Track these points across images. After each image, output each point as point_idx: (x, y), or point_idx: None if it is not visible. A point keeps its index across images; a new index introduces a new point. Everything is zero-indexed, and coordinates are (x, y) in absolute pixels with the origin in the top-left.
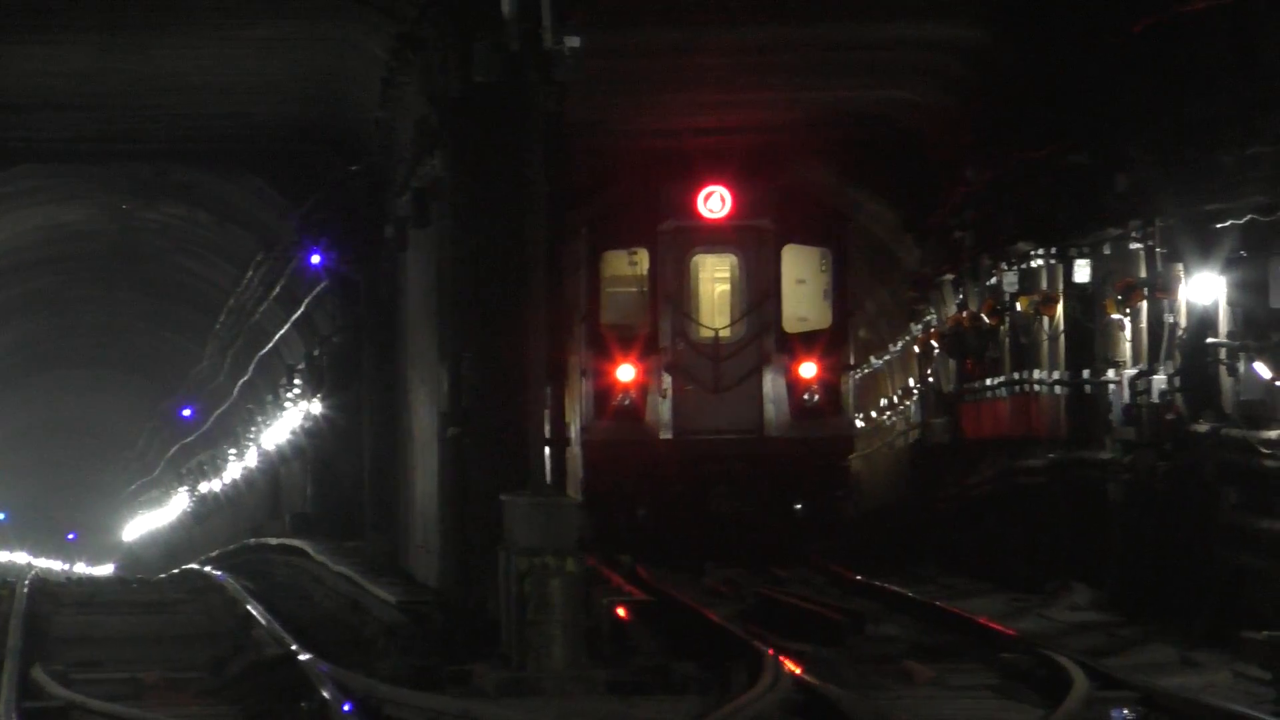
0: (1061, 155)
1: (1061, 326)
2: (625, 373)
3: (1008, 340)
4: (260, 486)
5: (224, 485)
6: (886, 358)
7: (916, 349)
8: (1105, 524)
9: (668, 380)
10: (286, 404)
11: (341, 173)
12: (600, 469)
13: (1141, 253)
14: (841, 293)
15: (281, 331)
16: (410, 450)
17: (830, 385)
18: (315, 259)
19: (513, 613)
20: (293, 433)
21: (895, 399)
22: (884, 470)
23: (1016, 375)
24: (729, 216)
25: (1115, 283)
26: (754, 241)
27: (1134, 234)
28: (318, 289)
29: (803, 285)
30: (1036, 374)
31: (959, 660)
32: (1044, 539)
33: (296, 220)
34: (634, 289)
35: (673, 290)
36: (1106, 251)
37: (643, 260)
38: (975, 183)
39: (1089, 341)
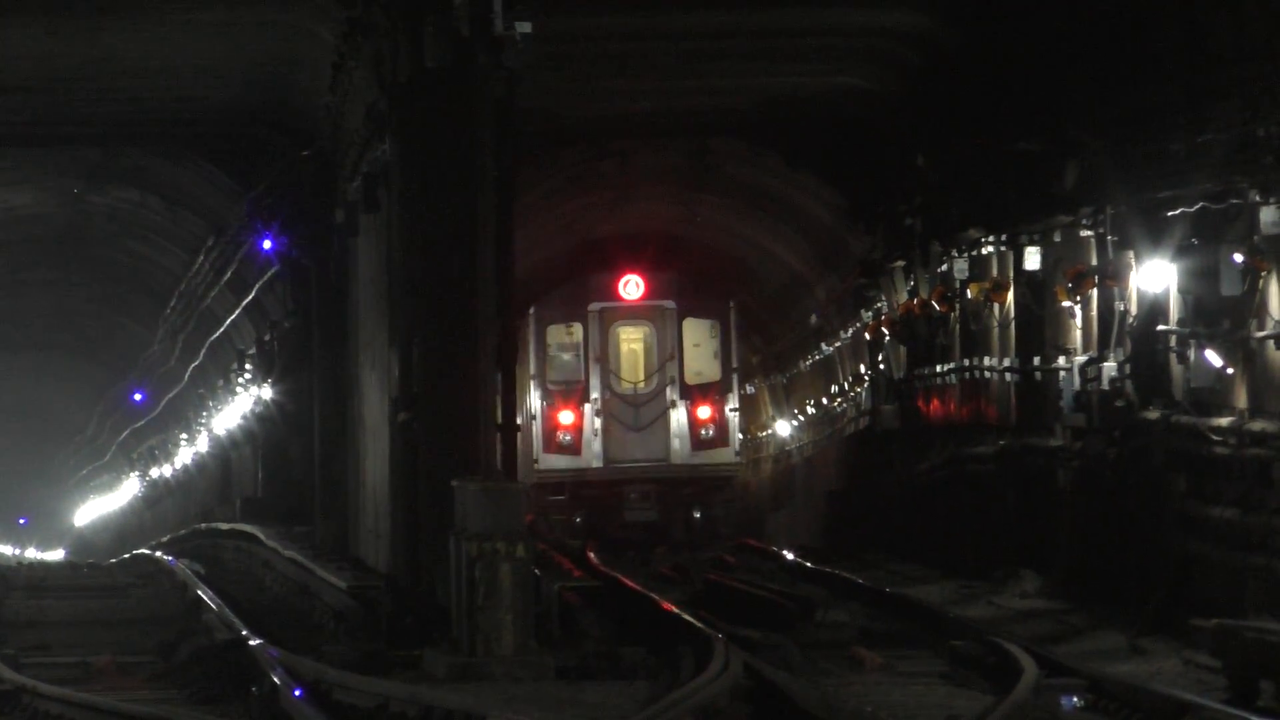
0: (1010, 142)
1: (1012, 313)
2: (566, 417)
3: (958, 327)
4: (211, 471)
5: (175, 470)
6: (837, 345)
7: (867, 336)
8: (1054, 511)
9: (598, 422)
10: (237, 389)
11: (292, 157)
12: (548, 489)
13: (1092, 240)
14: (727, 352)
15: (232, 317)
16: (361, 435)
17: (720, 423)
18: (266, 244)
19: (463, 598)
20: (243, 418)
21: (846, 385)
22: (834, 458)
23: (967, 362)
24: (643, 298)
25: (1066, 270)
26: (661, 316)
27: (1084, 221)
28: (268, 274)
29: (698, 348)
30: (987, 361)
31: (908, 647)
32: (993, 525)
33: (247, 205)
34: (571, 354)
35: (600, 354)
36: (1057, 239)
37: (577, 332)
38: (925, 169)
39: (1039, 329)
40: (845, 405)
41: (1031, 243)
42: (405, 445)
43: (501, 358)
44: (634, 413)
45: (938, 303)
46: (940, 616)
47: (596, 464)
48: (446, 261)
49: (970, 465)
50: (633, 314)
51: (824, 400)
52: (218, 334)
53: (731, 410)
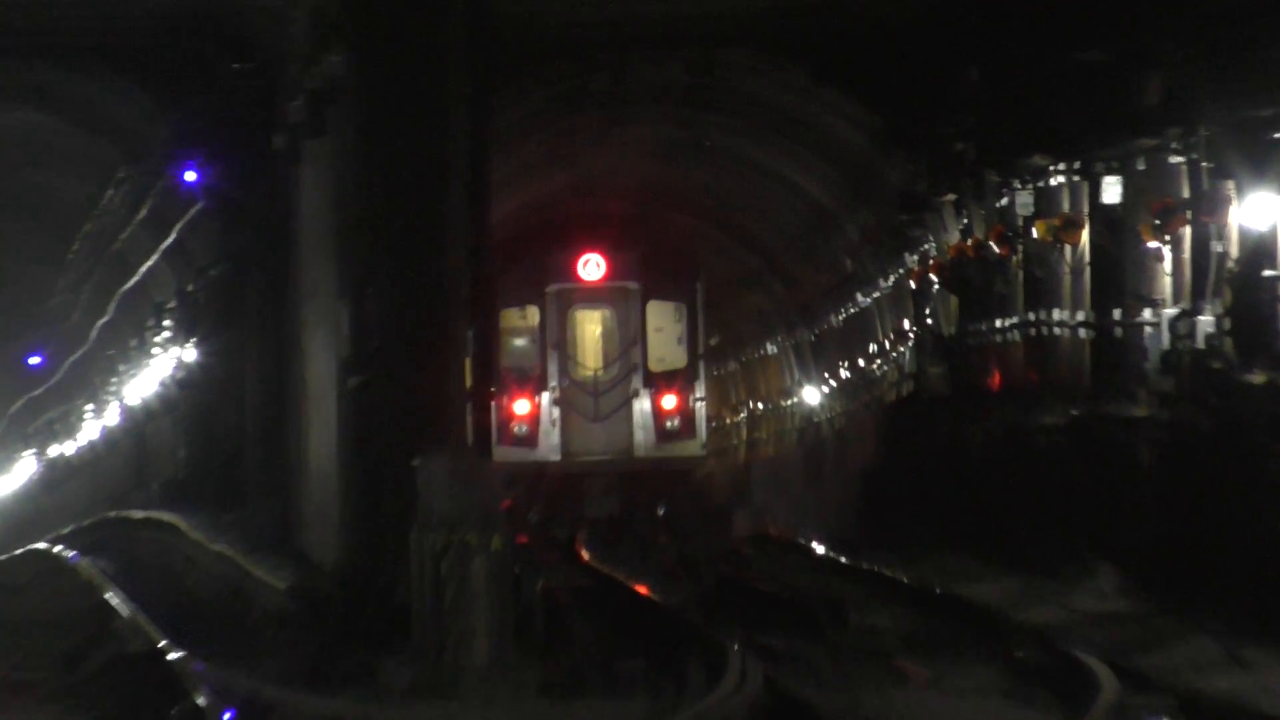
0: (1080, 49)
1: (1086, 257)
2: (522, 407)
3: (1020, 274)
4: (123, 448)
5: (79, 447)
6: (875, 295)
7: (911, 284)
8: (1136, 493)
9: (556, 412)
10: (155, 349)
11: (223, 71)
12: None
13: (1183, 168)
14: (694, 337)
15: (150, 262)
16: (304, 404)
17: (686, 414)
18: (190, 175)
19: (427, 598)
20: (162, 384)
21: (886, 344)
22: (871, 430)
23: (1031, 315)
24: (604, 279)
25: (1151, 204)
26: (624, 298)
27: (1173, 145)
28: (193, 211)
29: (660, 333)
30: (1055, 314)
31: (961, 657)
32: (1062, 511)
33: (169, 128)
34: (527, 339)
35: (558, 340)
36: (1140, 166)
37: (532, 315)
38: (977, 83)
39: (1119, 275)
40: (885, 367)
41: (1109, 171)
42: (358, 416)
43: (475, 312)
44: (594, 402)
45: (996, 244)
46: (999, 620)
47: (554, 457)
48: (409, 195)
49: (1035, 439)
50: (593, 296)
51: (859, 361)
52: (131, 283)
53: (698, 400)
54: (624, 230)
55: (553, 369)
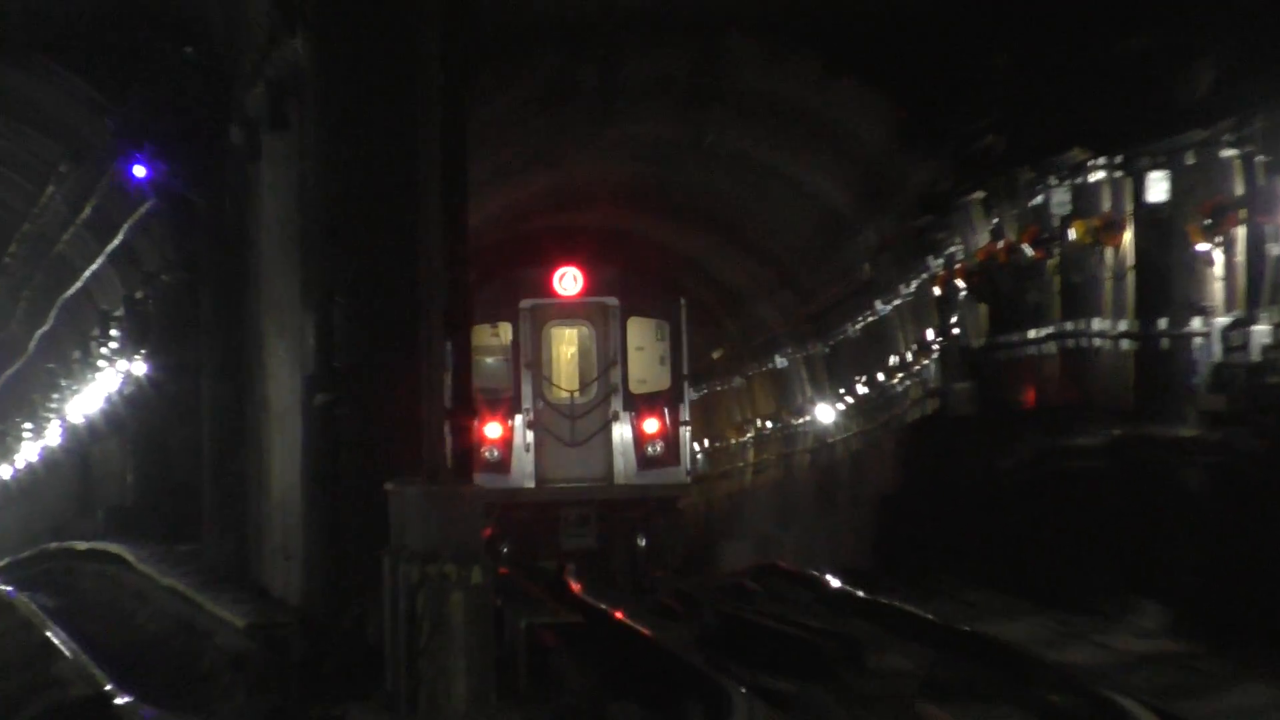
0: (1120, 35)
1: (1129, 261)
2: (493, 431)
3: (1057, 279)
4: (65, 472)
5: (16, 471)
6: (895, 303)
7: (935, 291)
8: (1183, 523)
9: (530, 436)
10: (100, 362)
11: (174, 59)
12: None
13: (1236, 162)
14: (677, 357)
15: (94, 267)
16: (266, 424)
17: (669, 438)
18: (139, 171)
19: (401, 637)
20: (109, 401)
21: (907, 357)
22: (890, 452)
23: (1068, 326)
24: (581, 294)
25: (1202, 202)
26: (603, 315)
27: (1225, 138)
28: (142, 210)
29: (645, 352)
30: (1095, 324)
31: (988, 702)
32: (1101, 541)
33: (114, 122)
34: (499, 358)
35: (533, 359)
36: (1189, 162)
37: (505, 332)
38: (1007, 72)
39: (1165, 281)
40: (906, 383)
41: (1154, 166)
42: (325, 437)
43: (453, 323)
44: (571, 426)
45: (1029, 247)
46: (1031, 662)
47: (528, 484)
48: (379, 196)
49: (1071, 462)
50: (570, 312)
51: (878, 377)
52: (74, 290)
53: (683, 424)
54: (604, 243)
55: (526, 390)
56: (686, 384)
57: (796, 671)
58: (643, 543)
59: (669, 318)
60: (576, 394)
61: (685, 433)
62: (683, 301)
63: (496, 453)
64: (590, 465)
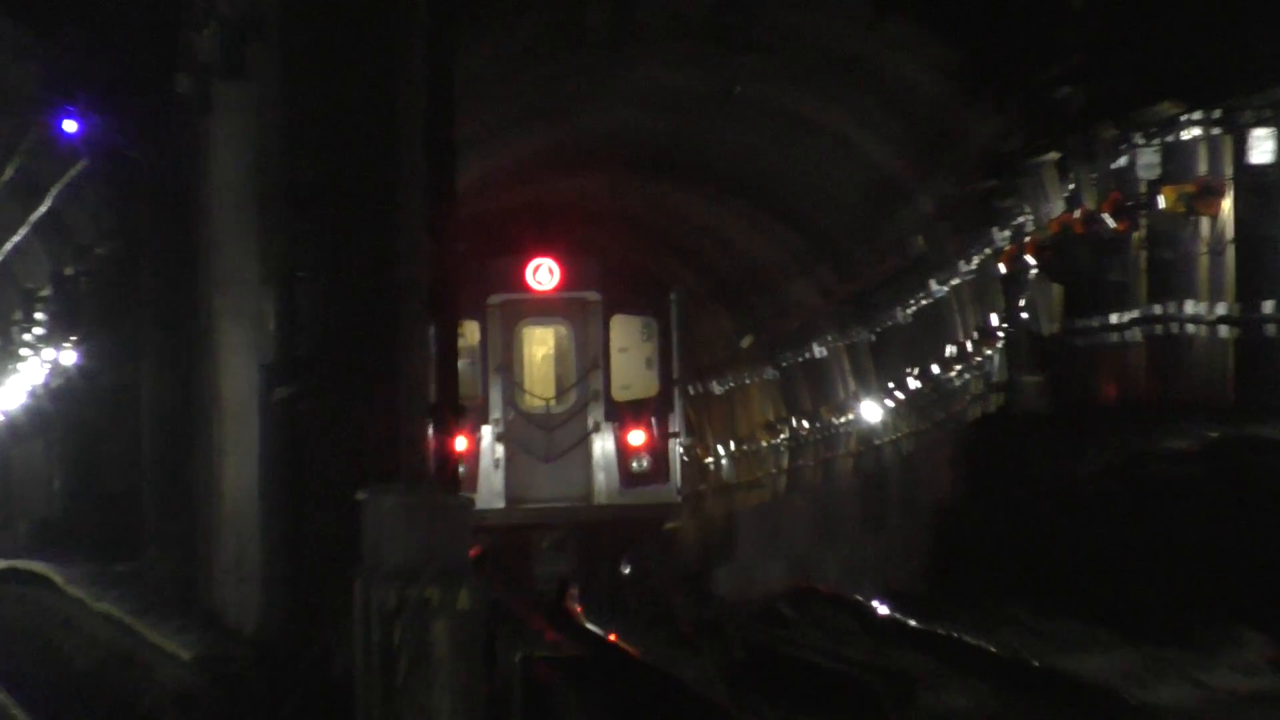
0: None
1: (1229, 233)
2: (458, 443)
3: (1144, 255)
4: None
5: None
6: (953, 283)
7: (1001, 269)
8: None
9: (500, 450)
10: (23, 350)
11: None
12: None
13: None
14: (667, 360)
15: (16, 238)
16: (218, 423)
17: (657, 452)
18: (70, 126)
19: (375, 671)
20: (33, 395)
21: (968, 346)
22: (947, 456)
23: (1156, 309)
24: (558, 288)
25: None
26: (582, 312)
27: None
28: (73, 172)
29: (629, 354)
30: (1188, 307)
31: None
32: (1196, 562)
33: (40, 67)
34: (465, 361)
35: (503, 362)
36: None
37: (472, 332)
38: (1084, 11)
39: (1271, 257)
40: (965, 376)
41: (1259, 122)
42: (287, 437)
43: (437, 304)
44: (546, 438)
45: (1111, 216)
46: (1114, 702)
47: (498, 504)
48: (353, 154)
49: (1161, 468)
50: (545, 309)
51: (933, 369)
52: None
53: (673, 435)
54: (587, 229)
55: (496, 398)
56: (678, 390)
57: (839, 713)
58: (627, 571)
59: (658, 314)
60: (552, 402)
61: (675, 445)
62: (674, 296)
63: (462, 468)
64: (567, 483)
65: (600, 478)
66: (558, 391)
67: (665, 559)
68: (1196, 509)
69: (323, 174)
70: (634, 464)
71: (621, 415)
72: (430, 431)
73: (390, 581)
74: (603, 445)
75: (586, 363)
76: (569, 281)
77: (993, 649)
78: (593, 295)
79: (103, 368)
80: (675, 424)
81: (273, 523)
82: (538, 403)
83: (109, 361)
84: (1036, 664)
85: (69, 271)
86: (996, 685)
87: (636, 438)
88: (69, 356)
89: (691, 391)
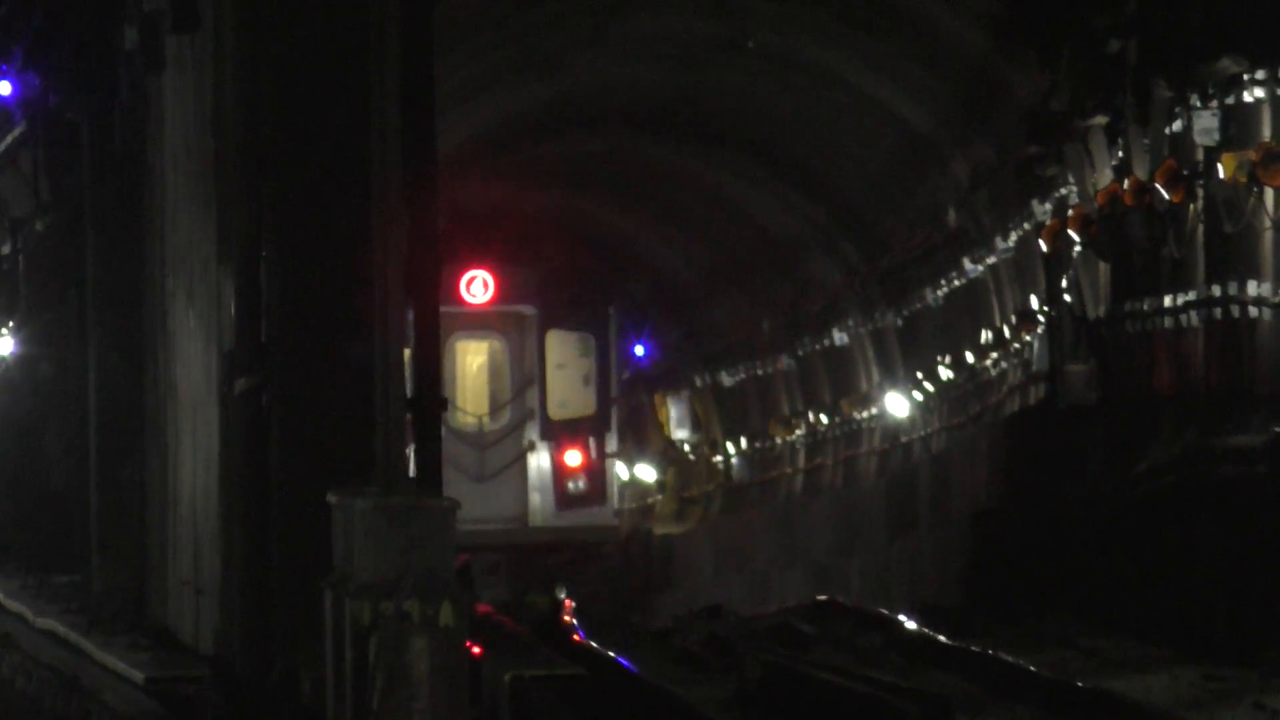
0: None
1: None
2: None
3: (1202, 228)
4: None
5: None
6: (990, 260)
7: (1043, 245)
8: None
9: None
10: None
11: None
12: None
13: None
14: (605, 378)
15: None
16: (172, 417)
17: (594, 472)
18: (3, 88)
19: (347, 695)
20: None
21: (1006, 331)
22: (983, 454)
23: (1216, 289)
24: (492, 301)
25: None
26: (520, 327)
27: None
28: (9, 138)
29: (566, 371)
30: (1252, 287)
31: None
32: (1262, 572)
33: None
34: None
35: None
36: None
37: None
38: None
39: None
40: (1004, 364)
41: None
42: (249, 433)
43: (415, 282)
44: (478, 458)
45: (1166, 187)
46: None
47: None
48: (319, 113)
49: (1223, 467)
50: (479, 323)
51: (966, 356)
52: None
53: (610, 455)
54: (525, 239)
55: None
56: (615, 408)
57: None
58: (562, 595)
59: (596, 330)
60: (485, 420)
61: (614, 465)
62: (613, 311)
63: None
64: (501, 504)
65: (535, 499)
66: (491, 408)
67: (604, 583)
68: (1262, 512)
69: (285, 136)
70: (570, 485)
71: (557, 434)
72: (410, 427)
73: (364, 594)
74: (538, 465)
75: (521, 379)
76: (504, 295)
77: (1035, 669)
78: (528, 309)
79: (43, 355)
80: (613, 443)
81: (233, 528)
82: (470, 420)
83: (50, 347)
84: (1083, 686)
85: (6, 249)
86: (1040, 709)
87: (573, 458)
88: (5, 344)
89: (699, 383)
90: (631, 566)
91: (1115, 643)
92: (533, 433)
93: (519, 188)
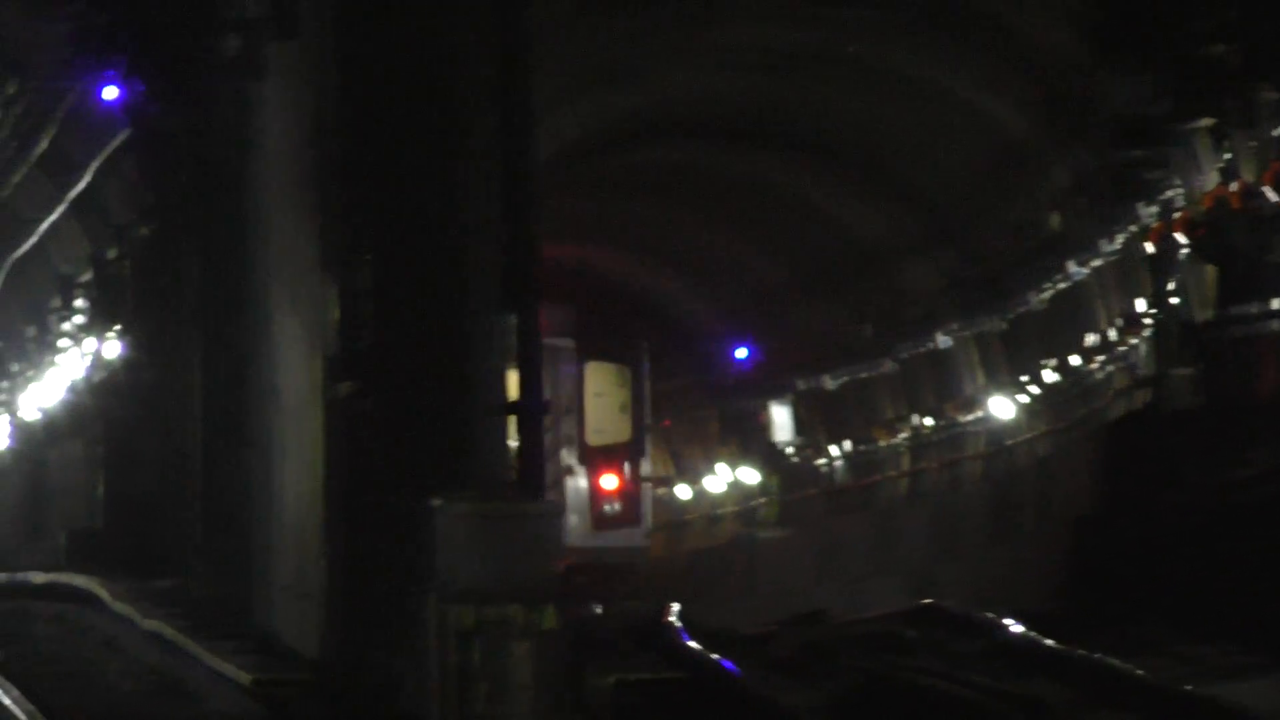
0: None
1: None
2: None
3: None
4: (14, 482)
5: None
6: (1091, 265)
7: (1148, 249)
8: None
9: None
10: (62, 343)
11: None
12: None
13: None
14: (639, 406)
15: (52, 218)
16: (274, 422)
17: (629, 495)
18: (110, 92)
19: (450, 701)
20: (72, 391)
21: (1110, 336)
22: (1087, 460)
23: None
24: None
25: None
26: (558, 359)
27: None
28: (113, 145)
29: (601, 398)
30: None
31: None
32: None
33: (67, 28)
34: None
35: None
36: None
37: None
38: None
39: None
40: (1107, 369)
41: None
42: (350, 438)
43: (514, 289)
44: None
45: (1272, 189)
46: None
47: None
48: (416, 120)
49: None
50: None
51: (1069, 361)
52: (25, 248)
53: (644, 480)
54: (562, 277)
55: None
56: (649, 435)
57: None
58: (598, 609)
59: (632, 362)
60: None
61: (648, 489)
62: (645, 344)
63: None
64: None
65: (573, 519)
66: None
67: (636, 601)
68: None
69: (385, 143)
70: (606, 507)
71: (594, 459)
72: (510, 432)
73: (466, 600)
74: (575, 487)
75: (560, 408)
76: (545, 328)
77: (1138, 674)
78: (566, 342)
79: (148, 360)
80: (647, 467)
81: (336, 533)
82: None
83: (154, 354)
84: (1188, 691)
85: (112, 255)
86: (1146, 715)
87: (609, 481)
88: (112, 349)
89: (802, 386)
90: (733, 570)
91: (1218, 649)
92: (570, 458)
93: (607, 199)
